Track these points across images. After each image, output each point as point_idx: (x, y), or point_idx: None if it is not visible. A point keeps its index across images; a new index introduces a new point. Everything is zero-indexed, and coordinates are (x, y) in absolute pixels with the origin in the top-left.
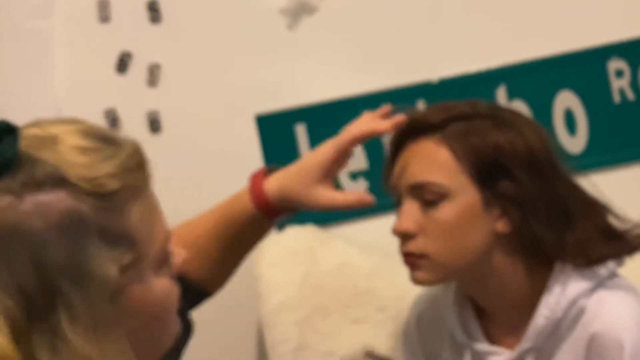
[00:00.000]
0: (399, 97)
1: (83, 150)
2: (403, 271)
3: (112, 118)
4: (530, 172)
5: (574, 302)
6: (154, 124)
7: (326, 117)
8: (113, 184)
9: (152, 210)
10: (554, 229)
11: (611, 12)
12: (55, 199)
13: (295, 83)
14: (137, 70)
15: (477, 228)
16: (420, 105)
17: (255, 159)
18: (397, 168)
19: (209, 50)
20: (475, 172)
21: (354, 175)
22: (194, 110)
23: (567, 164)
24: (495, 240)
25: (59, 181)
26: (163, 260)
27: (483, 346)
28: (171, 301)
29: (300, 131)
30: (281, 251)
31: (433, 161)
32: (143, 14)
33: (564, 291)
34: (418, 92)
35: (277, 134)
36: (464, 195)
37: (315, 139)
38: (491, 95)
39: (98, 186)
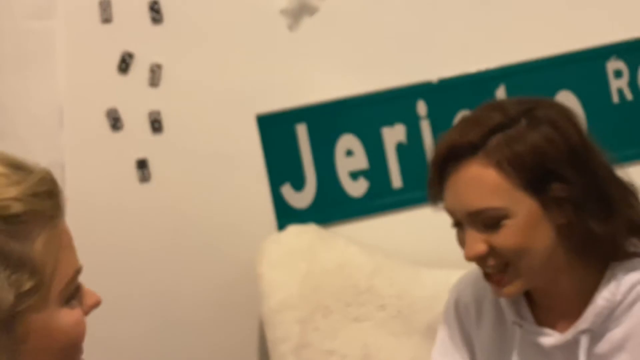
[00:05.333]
0: (399, 97)
1: None
2: (403, 270)
3: (114, 118)
4: (575, 168)
5: (632, 287)
6: (156, 124)
7: (326, 117)
8: (17, 207)
9: (60, 242)
10: (604, 221)
11: (611, 12)
12: None
13: (296, 83)
14: (139, 70)
15: (542, 230)
16: (421, 105)
17: (256, 159)
18: (449, 195)
19: (210, 51)
20: (526, 183)
21: (354, 175)
22: (195, 110)
23: (600, 146)
24: (559, 233)
25: None
26: (71, 294)
27: (535, 328)
28: (78, 334)
29: (301, 131)
30: (282, 250)
31: (484, 185)
32: (145, 14)
33: (624, 277)
34: (418, 92)
35: (277, 133)
36: (523, 209)
37: (315, 139)
38: (491, 95)
39: (1, 208)
